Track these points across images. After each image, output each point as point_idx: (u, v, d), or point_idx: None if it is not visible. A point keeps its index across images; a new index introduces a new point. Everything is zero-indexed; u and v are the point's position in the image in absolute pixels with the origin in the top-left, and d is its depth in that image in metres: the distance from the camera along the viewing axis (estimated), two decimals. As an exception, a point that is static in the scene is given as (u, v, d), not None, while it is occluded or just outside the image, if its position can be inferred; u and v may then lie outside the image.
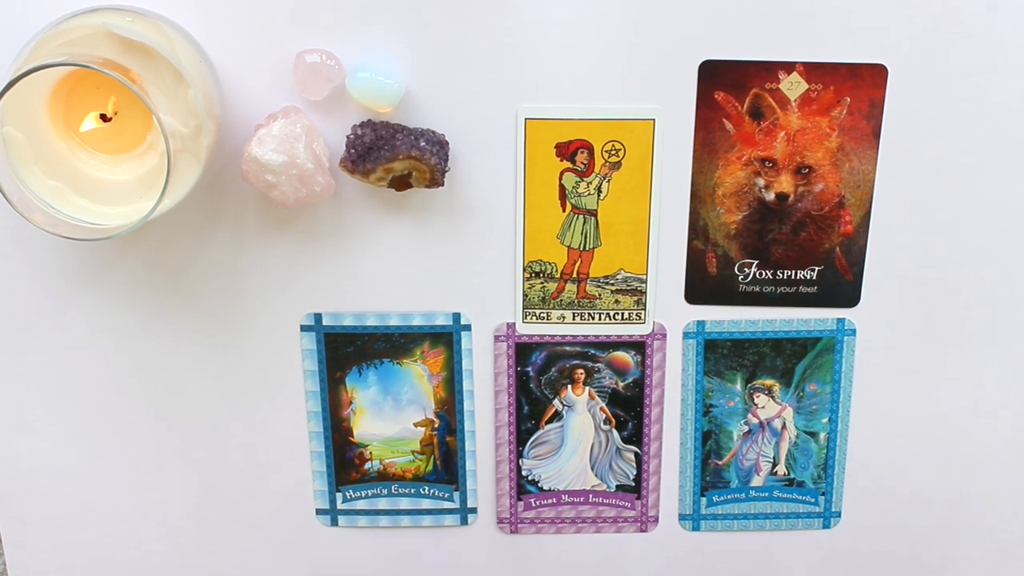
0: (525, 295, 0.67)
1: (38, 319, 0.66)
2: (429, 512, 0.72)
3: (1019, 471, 0.71)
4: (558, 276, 0.66)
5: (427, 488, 0.71)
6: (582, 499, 0.72)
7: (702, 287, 0.67)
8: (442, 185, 0.62)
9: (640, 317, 0.67)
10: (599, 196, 0.64)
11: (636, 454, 0.71)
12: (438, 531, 0.72)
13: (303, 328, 0.67)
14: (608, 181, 0.64)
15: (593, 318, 0.67)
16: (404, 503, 0.71)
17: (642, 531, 0.73)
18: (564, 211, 0.65)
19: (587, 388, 0.69)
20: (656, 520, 0.72)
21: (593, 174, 0.64)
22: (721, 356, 0.69)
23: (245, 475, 0.70)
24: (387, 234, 0.65)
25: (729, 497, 0.72)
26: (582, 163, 0.63)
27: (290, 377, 0.68)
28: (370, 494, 0.71)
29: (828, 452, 0.71)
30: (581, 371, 0.69)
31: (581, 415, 0.70)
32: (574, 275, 0.66)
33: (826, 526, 0.73)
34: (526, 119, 0.62)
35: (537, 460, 0.71)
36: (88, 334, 0.67)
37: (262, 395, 0.69)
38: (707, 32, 0.61)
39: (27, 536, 0.71)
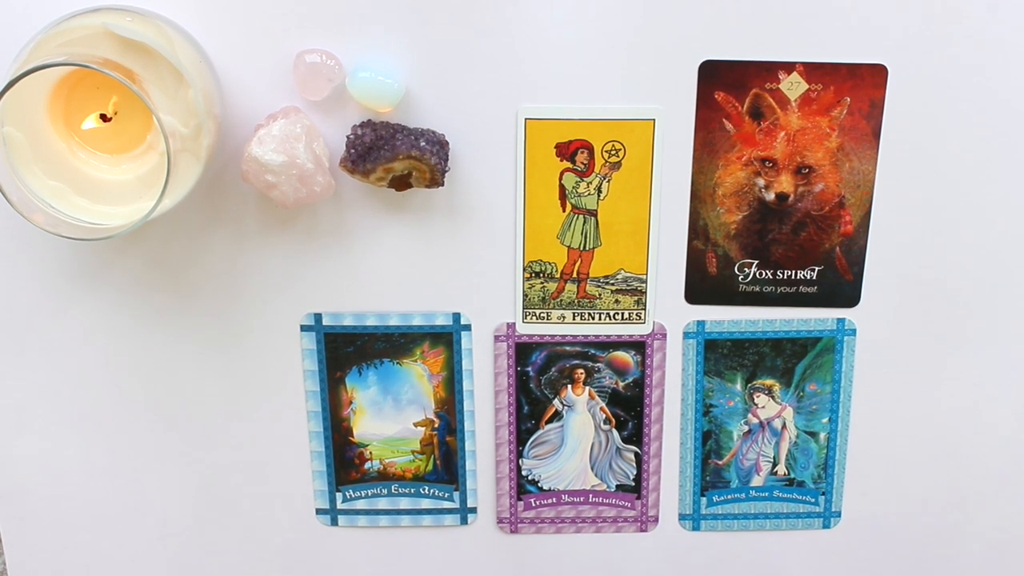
0: (525, 295, 0.67)
1: (38, 319, 0.66)
2: (429, 512, 0.72)
3: (1019, 471, 0.71)
4: (558, 276, 0.66)
5: (427, 488, 0.71)
6: (582, 499, 0.72)
7: (702, 287, 0.67)
8: (442, 185, 0.62)
9: (640, 317, 0.67)
10: (599, 196, 0.64)
11: (636, 454, 0.71)
12: (438, 531, 0.72)
13: (303, 328, 0.67)
14: (608, 181, 0.64)
15: (593, 318, 0.67)
16: (404, 503, 0.71)
17: (642, 531, 0.73)
18: (564, 211, 0.65)
19: (587, 388, 0.69)
20: (656, 520, 0.72)
21: (593, 174, 0.64)
22: (721, 356, 0.69)
23: (245, 475, 0.70)
24: (387, 234, 0.65)
25: (729, 497, 0.72)
26: (582, 163, 0.63)
27: (290, 377, 0.68)
28: (370, 494, 0.71)
29: (828, 452, 0.71)
30: (581, 371, 0.69)
31: (581, 415, 0.70)
32: (574, 275, 0.66)
33: (826, 526, 0.73)
34: (526, 119, 0.62)
35: (537, 460, 0.71)
36: (88, 334, 0.67)
37: (262, 395, 0.69)
38: (707, 32, 0.61)
39: (27, 536, 0.71)
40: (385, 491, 0.71)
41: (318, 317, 0.67)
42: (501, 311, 0.67)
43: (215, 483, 0.71)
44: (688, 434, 0.70)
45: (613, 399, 0.69)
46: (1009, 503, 0.72)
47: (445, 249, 0.65)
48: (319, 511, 0.72)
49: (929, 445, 0.71)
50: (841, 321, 0.68)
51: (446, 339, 0.68)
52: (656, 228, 0.65)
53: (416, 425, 0.70)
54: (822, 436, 0.71)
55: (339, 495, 0.71)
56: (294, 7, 0.60)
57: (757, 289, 0.67)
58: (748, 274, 0.67)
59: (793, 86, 0.62)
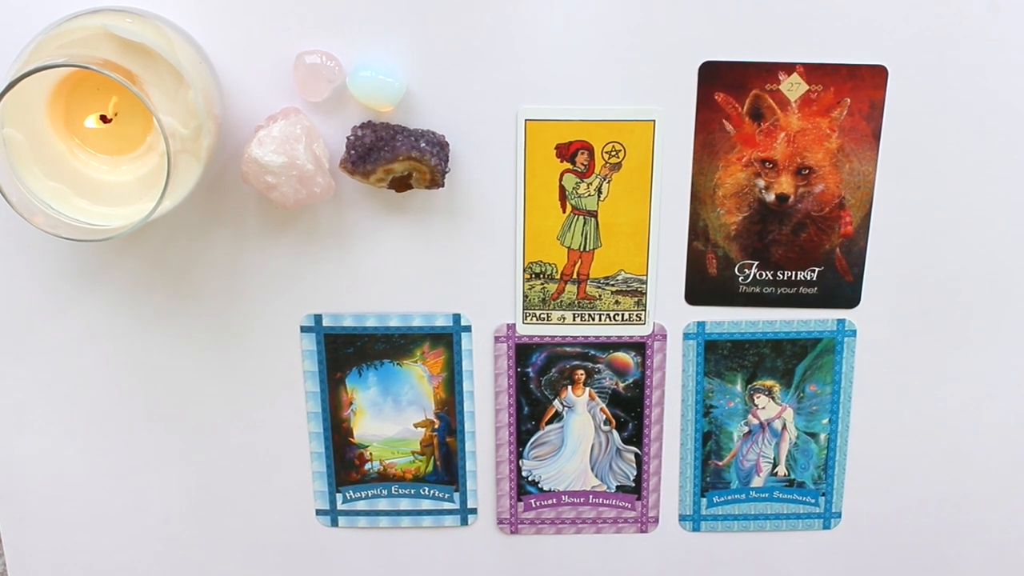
0: (525, 296, 0.67)
1: (38, 319, 0.66)
2: (429, 513, 0.72)
3: (1019, 471, 0.71)
4: (558, 277, 0.66)
5: (427, 489, 0.71)
6: (582, 500, 0.72)
7: (702, 288, 0.67)
8: (442, 186, 0.62)
9: (640, 318, 0.67)
10: (599, 197, 0.64)
11: (636, 455, 0.71)
12: (438, 532, 0.72)
13: (303, 329, 0.67)
14: (608, 182, 0.64)
15: (593, 319, 0.67)
16: (404, 504, 0.71)
17: (642, 532, 0.73)
18: (564, 212, 0.65)
19: (587, 389, 0.69)
20: (656, 521, 0.72)
21: (593, 175, 0.64)
22: (721, 357, 0.69)
23: (245, 475, 0.70)
24: (387, 235, 0.65)
25: (729, 498, 0.72)
26: (582, 164, 0.63)
27: (290, 378, 0.68)
28: (370, 495, 0.71)
29: (828, 453, 0.71)
30: (581, 372, 0.69)
31: (581, 416, 0.70)
32: (574, 276, 0.66)
33: (826, 527, 0.73)
34: (526, 120, 0.62)
35: (537, 461, 0.71)
36: (88, 334, 0.67)
37: (262, 395, 0.69)
38: (707, 33, 0.61)
39: (27, 536, 0.71)
40: (385, 492, 0.71)
41: (318, 318, 0.67)
42: (501, 312, 0.67)
43: (215, 483, 0.71)
44: (688, 435, 0.70)
45: (613, 400, 0.69)
46: (1009, 503, 0.72)
47: (445, 250, 0.65)
48: (319, 512, 0.72)
49: (929, 445, 0.71)
50: (841, 322, 0.68)
51: (446, 340, 0.68)
52: (656, 229, 0.65)
53: (416, 426, 0.70)
54: (822, 437, 0.71)
55: (339, 496, 0.71)
56: (294, 7, 0.60)
57: (757, 290, 0.67)
58: (748, 275, 0.67)
59: (793, 87, 0.62)
